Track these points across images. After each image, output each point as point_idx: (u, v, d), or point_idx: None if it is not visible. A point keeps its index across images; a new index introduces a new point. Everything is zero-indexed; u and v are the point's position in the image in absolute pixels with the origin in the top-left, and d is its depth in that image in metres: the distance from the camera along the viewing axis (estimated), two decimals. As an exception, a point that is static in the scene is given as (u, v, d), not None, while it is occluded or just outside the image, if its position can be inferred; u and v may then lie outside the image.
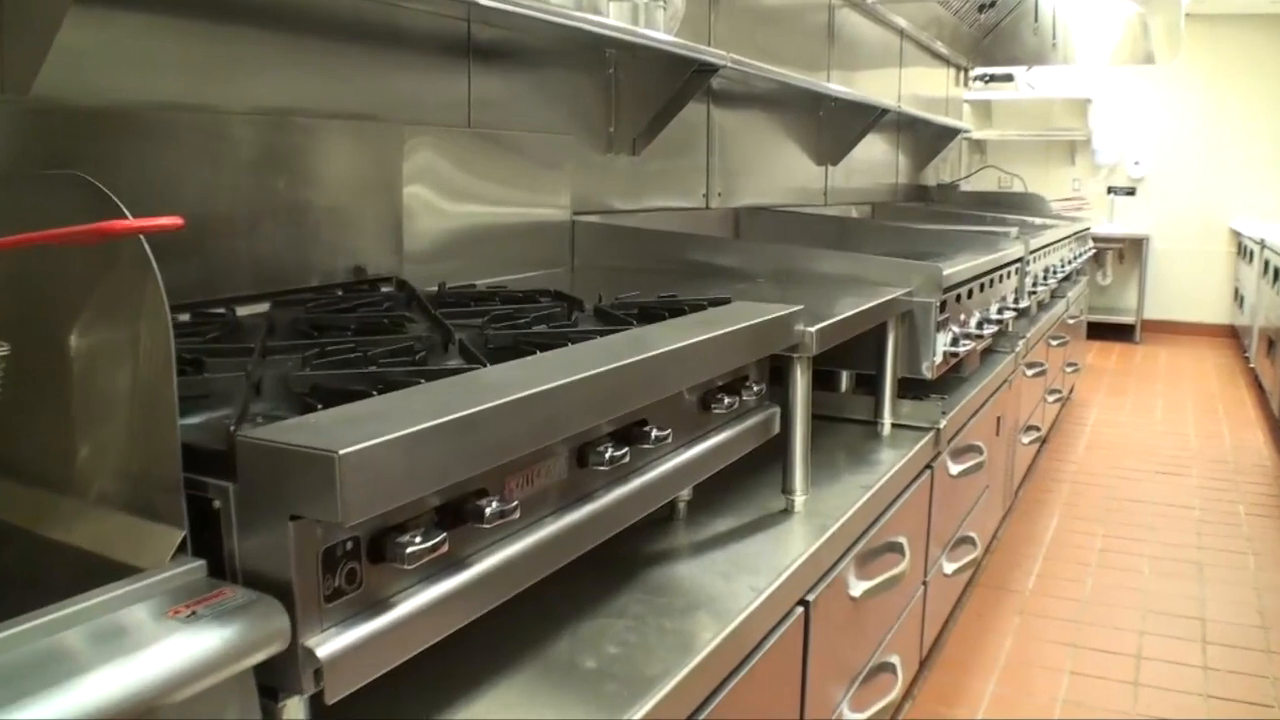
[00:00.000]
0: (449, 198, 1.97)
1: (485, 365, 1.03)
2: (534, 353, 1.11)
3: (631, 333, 1.25)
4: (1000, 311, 2.68)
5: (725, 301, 1.50)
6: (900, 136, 5.43)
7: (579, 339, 1.19)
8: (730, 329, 1.27)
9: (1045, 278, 3.78)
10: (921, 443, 2.00)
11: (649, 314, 1.42)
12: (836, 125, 4.25)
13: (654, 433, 1.12)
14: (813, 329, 1.47)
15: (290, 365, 1.07)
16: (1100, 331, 7.62)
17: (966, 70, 6.89)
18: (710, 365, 1.24)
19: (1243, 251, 7.33)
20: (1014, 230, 3.28)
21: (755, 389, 1.40)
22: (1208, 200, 7.88)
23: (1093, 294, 8.02)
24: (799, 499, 1.55)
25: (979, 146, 8.32)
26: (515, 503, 0.89)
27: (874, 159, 5.03)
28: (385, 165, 1.79)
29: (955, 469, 2.26)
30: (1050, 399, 4.16)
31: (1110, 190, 8.11)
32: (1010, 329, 3.15)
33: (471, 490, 0.89)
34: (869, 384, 2.07)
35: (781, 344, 1.44)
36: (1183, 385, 6.03)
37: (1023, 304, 2.96)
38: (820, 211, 4.12)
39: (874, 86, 4.80)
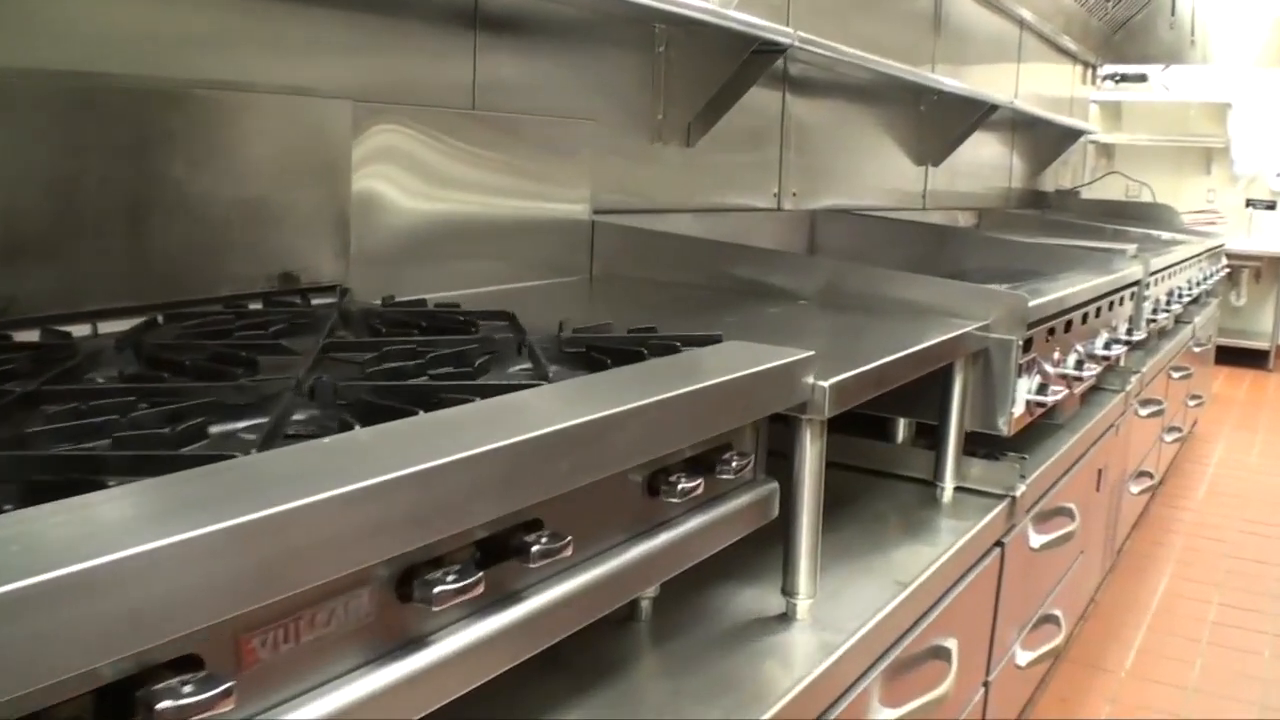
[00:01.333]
0: (423, 190, 1.64)
1: (270, 446, 0.69)
2: (391, 418, 0.77)
3: (555, 388, 0.90)
4: (1108, 346, 2.26)
5: (715, 340, 1.14)
6: (1015, 137, 4.96)
7: (470, 397, 0.85)
8: (691, 389, 0.91)
9: (1169, 302, 3.32)
10: (992, 514, 1.60)
11: (600, 357, 1.07)
12: (939, 121, 3.82)
13: (541, 545, 0.77)
14: (825, 383, 1.10)
15: (23, 426, 0.75)
16: (1230, 357, 7.00)
17: (1094, 68, 6.36)
18: (656, 439, 0.88)
19: (1397, 276, 6.65)
20: (1131, 248, 2.84)
21: (739, 463, 1.04)
22: (1359, 218, 7.19)
23: (1224, 315, 7.39)
24: (802, 604, 1.18)
25: (1106, 151, 7.73)
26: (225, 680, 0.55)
27: (983, 160, 4.58)
28: (326, 150, 1.46)
29: (1038, 540, 1.86)
30: (1168, 439, 3.69)
31: (1249, 203, 7.46)
32: (1122, 364, 2.72)
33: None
34: (933, 433, 1.68)
35: (780, 403, 1.07)
36: (1321, 423, 5.44)
37: (1137, 336, 2.53)
38: (913, 217, 3.71)
39: (986, 81, 4.35)
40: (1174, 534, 3.58)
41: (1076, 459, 2.15)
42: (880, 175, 3.55)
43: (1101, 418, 2.37)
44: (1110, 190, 6.96)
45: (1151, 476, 3.23)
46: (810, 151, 3.04)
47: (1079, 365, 1.97)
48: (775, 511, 1.13)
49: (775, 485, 1.12)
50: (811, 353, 1.09)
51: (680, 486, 0.94)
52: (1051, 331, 1.83)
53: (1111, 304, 2.39)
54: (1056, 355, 1.88)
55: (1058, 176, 5.83)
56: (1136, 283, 2.70)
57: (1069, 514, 2.03)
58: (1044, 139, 5.26)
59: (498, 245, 1.80)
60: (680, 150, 2.44)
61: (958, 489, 1.67)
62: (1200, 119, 7.49)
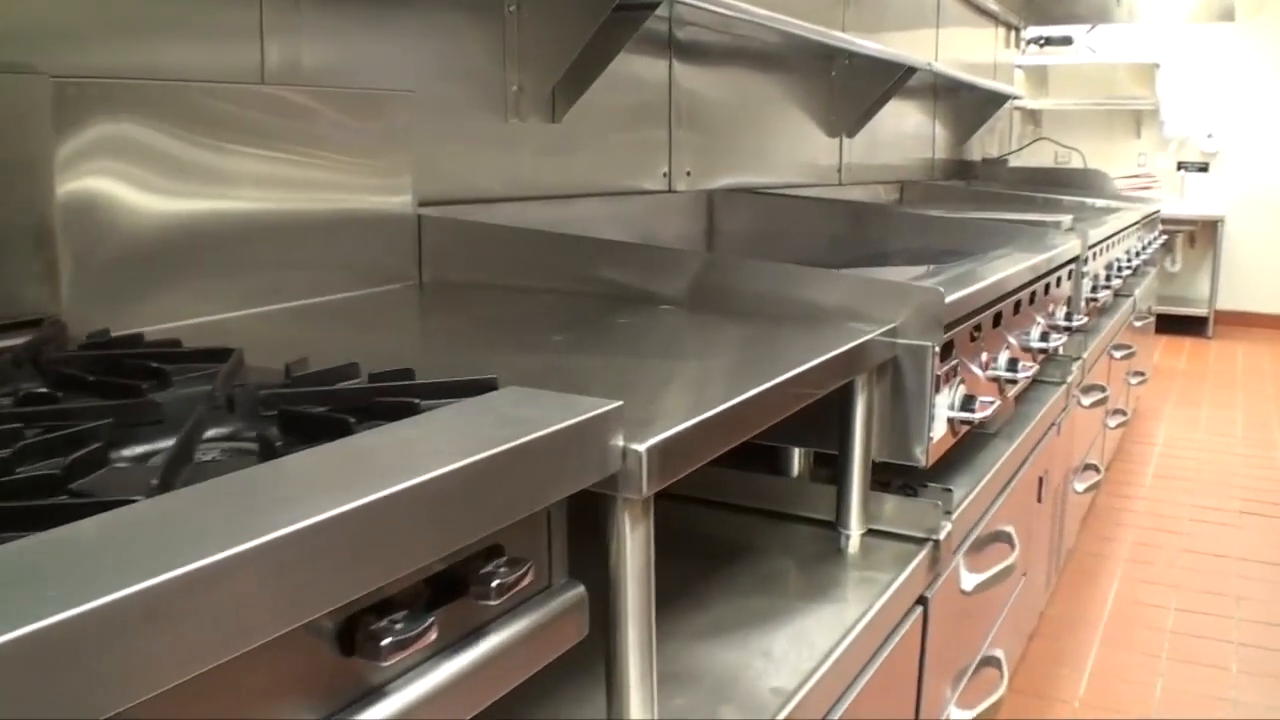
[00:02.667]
0: (178, 189, 1.27)
1: None
2: None
3: (155, 507, 0.54)
4: (1046, 337, 1.94)
5: (489, 386, 0.79)
6: (937, 105, 4.66)
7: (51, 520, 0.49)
8: (386, 492, 0.56)
9: (1109, 277, 3.02)
10: (911, 566, 1.27)
11: (298, 425, 0.71)
12: (852, 88, 3.49)
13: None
14: (642, 447, 0.76)
15: None
16: (1168, 325, 6.78)
17: (1018, 31, 6.08)
18: (311, 587, 0.53)
19: (1333, 235, 6.46)
20: (1067, 220, 2.53)
21: (509, 575, 0.69)
22: (1292, 177, 7.00)
23: (1160, 282, 7.17)
24: (634, 752, 0.83)
25: (1034, 118, 7.48)
26: None
27: (904, 131, 4.26)
28: (16, 142, 1.09)
29: (971, 581, 1.53)
30: (1112, 424, 3.40)
31: (1180, 166, 7.24)
32: (1061, 352, 2.41)
33: None
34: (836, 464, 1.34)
35: (571, 481, 0.72)
36: (1265, 391, 5.21)
37: (1078, 320, 2.21)
38: (830, 193, 3.38)
39: (903, 47, 4.04)
40: (1123, 527, 3.29)
41: (1014, 471, 1.82)
42: (790, 149, 3.22)
43: (1041, 417, 2.06)
44: (1040, 157, 6.71)
45: (1098, 470, 2.93)
46: (707, 126, 2.70)
47: (1013, 365, 1.65)
48: (584, 628, 0.78)
49: (581, 592, 0.77)
50: (617, 404, 0.74)
51: (386, 641, 0.59)
52: (978, 329, 1.50)
53: (1048, 286, 2.07)
54: (985, 357, 1.55)
55: (984, 145, 5.54)
56: (1075, 259, 2.39)
57: (1007, 540, 1.71)
58: (967, 106, 4.97)
59: (285, 252, 1.43)
60: (544, 128, 2.08)
61: (870, 532, 1.34)
62: (1128, 81, 7.26)
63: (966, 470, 1.63)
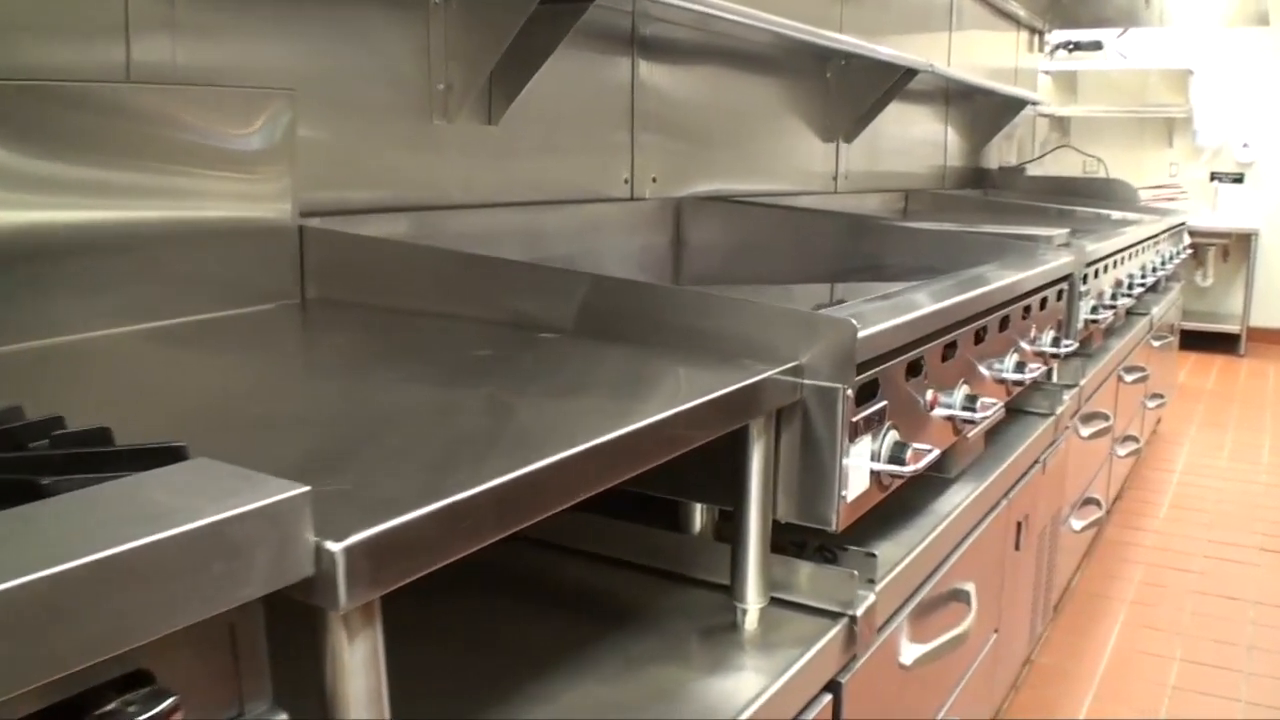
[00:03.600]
0: (10, 199, 1.10)
1: None
2: None
3: None
4: (1021, 369, 1.73)
5: (175, 456, 0.61)
6: (950, 110, 4.44)
7: None
8: None
9: (1116, 295, 2.80)
10: (815, 650, 1.08)
11: None
12: (849, 91, 3.29)
13: None
14: (338, 547, 0.57)
15: None
16: (1198, 342, 6.52)
17: (1042, 34, 5.84)
18: None
19: (1373, 251, 6.18)
20: (1061, 234, 2.31)
21: (142, 709, 0.51)
22: (1331, 189, 6.71)
23: (1190, 297, 6.91)
24: None
25: (1061, 125, 7.23)
26: None
27: (913, 137, 4.05)
28: None
29: (913, 654, 1.33)
30: (1122, 452, 3.17)
31: (1214, 176, 6.97)
32: (1055, 378, 2.20)
33: None
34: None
35: (227, 594, 0.54)
36: (1297, 415, 4.95)
37: (1066, 347, 2.01)
38: (824, 202, 3.19)
39: (911, 51, 3.83)
40: (1131, 564, 3.06)
41: (980, 519, 1.62)
42: (779, 155, 3.02)
43: (1021, 455, 1.85)
44: (1066, 166, 6.47)
45: (1099, 505, 2.71)
46: (679, 129, 2.51)
47: (971, 403, 1.45)
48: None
49: (279, 729, 0.59)
50: (301, 489, 0.56)
51: None
52: (915, 367, 1.30)
53: (1028, 308, 1.87)
54: (931, 396, 1.35)
55: (1002, 153, 5.31)
56: (1068, 277, 2.18)
57: (964, 599, 1.51)
58: (983, 111, 4.74)
59: (145, 268, 1.26)
60: (479, 130, 1.90)
61: (779, 603, 1.14)
62: (1161, 87, 7.00)
63: (915, 521, 1.43)
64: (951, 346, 1.42)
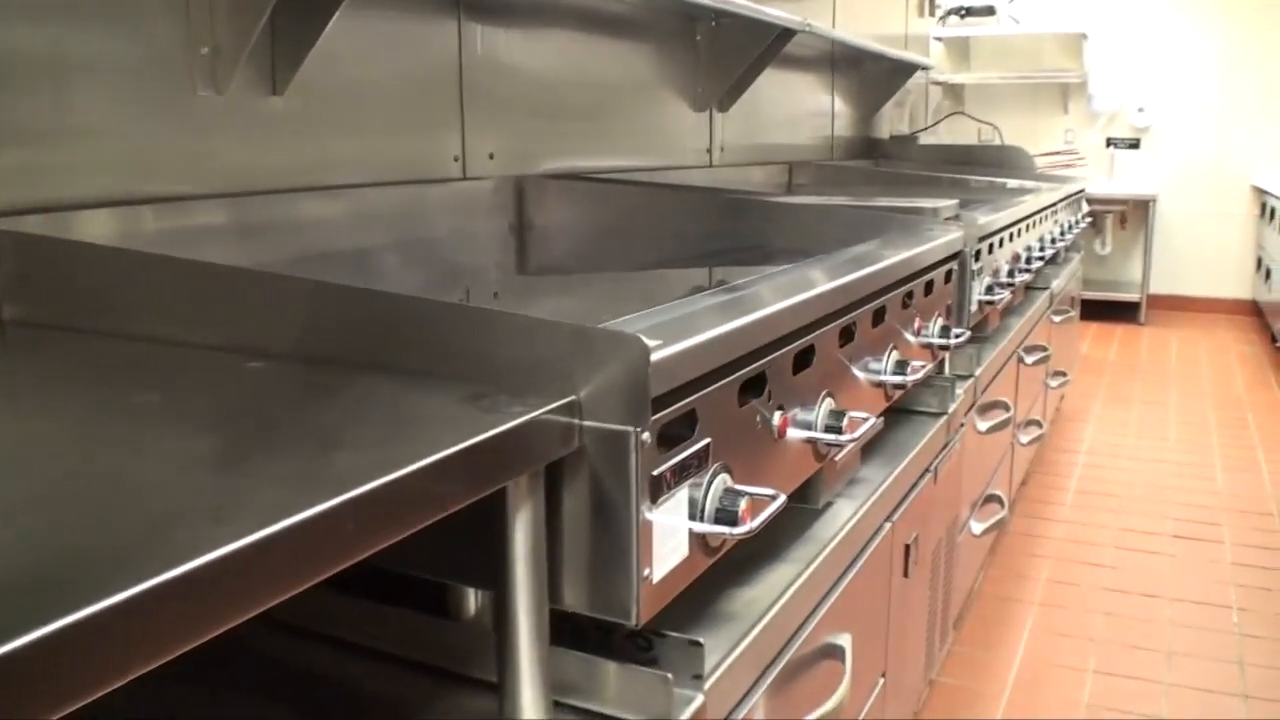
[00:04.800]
0: None
1: None
2: None
3: None
4: (902, 369, 1.46)
5: None
6: (837, 77, 4.18)
7: None
8: None
9: (1013, 273, 2.56)
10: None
11: None
12: (721, 55, 3.00)
13: None
14: None
15: None
16: (1098, 311, 6.38)
17: (933, 0, 5.61)
18: None
19: (1267, 214, 6.08)
20: (947, 205, 2.04)
21: None
22: (1226, 154, 6.60)
23: (1089, 266, 6.77)
24: None
25: (955, 93, 7.05)
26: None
27: (796, 105, 3.78)
28: None
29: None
30: (1024, 439, 2.94)
31: (1110, 142, 6.84)
32: (947, 370, 1.93)
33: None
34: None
35: None
36: (1200, 385, 4.79)
37: (958, 336, 1.74)
38: (695, 177, 2.90)
39: (791, 13, 3.56)
40: (1038, 560, 2.83)
41: (854, 556, 1.34)
42: (644, 127, 2.72)
43: (909, 465, 1.58)
44: (961, 135, 6.27)
45: (1002, 503, 2.47)
46: (521, 99, 2.20)
47: (837, 420, 1.16)
48: None
49: None
50: None
51: None
52: (756, 384, 1.00)
53: (910, 295, 1.59)
54: (780, 419, 1.05)
55: (893, 122, 5.07)
56: (957, 255, 1.92)
57: (838, 656, 1.23)
58: (872, 78, 4.49)
59: None
60: (261, 102, 1.57)
61: (572, 711, 0.85)
62: (1055, 52, 6.84)
63: (769, 571, 1.14)
64: (808, 353, 1.13)
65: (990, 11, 6.80)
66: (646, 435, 0.76)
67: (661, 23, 2.72)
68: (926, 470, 1.71)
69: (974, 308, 2.04)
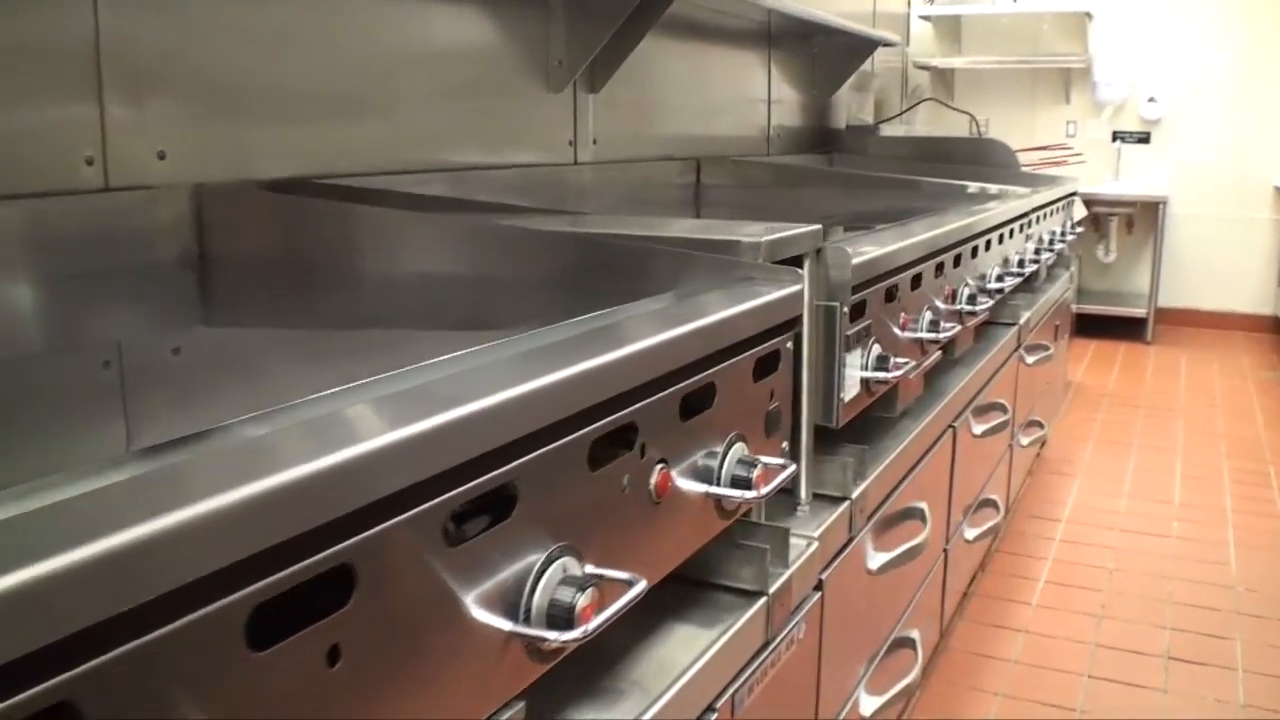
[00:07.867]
0: None
1: None
2: None
3: None
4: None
5: None
6: (775, 53, 3.45)
7: None
8: None
9: (937, 324, 1.84)
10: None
11: None
12: (583, 23, 2.29)
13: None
14: None
15: None
16: (1100, 327, 5.65)
17: (913, -31, 4.87)
18: None
19: (1294, 219, 5.34)
20: (767, 239, 1.32)
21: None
22: (1246, 151, 5.85)
23: (1090, 274, 6.04)
24: None
25: (944, 80, 6.31)
26: None
27: (713, 88, 3.05)
28: None
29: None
30: (971, 535, 2.22)
31: (1116, 136, 6.09)
32: (761, 518, 1.22)
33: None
34: None
35: None
36: (1213, 424, 4.05)
37: (776, 472, 1.01)
38: (533, 180, 2.18)
39: None
40: (985, 693, 2.11)
41: None
42: (470, 115, 2.02)
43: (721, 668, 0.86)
44: (945, 126, 5.51)
45: (913, 651, 1.75)
46: (222, 65, 1.49)
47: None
48: None
49: None
50: None
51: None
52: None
53: (713, 392, 0.87)
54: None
55: (859, 112, 4.34)
56: (792, 321, 1.19)
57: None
58: (826, 57, 3.76)
59: None
60: None
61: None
62: (1056, 35, 6.09)
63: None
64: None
65: (984, -12, 6.05)
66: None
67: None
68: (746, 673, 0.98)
69: (849, 394, 1.31)
